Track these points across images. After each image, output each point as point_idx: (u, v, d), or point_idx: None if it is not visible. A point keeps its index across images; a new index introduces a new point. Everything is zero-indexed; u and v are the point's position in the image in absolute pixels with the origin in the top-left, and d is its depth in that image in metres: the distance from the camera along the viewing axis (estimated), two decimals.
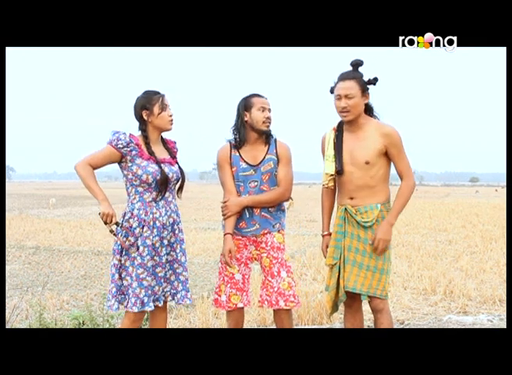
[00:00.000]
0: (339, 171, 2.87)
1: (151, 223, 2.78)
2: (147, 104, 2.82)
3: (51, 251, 9.58)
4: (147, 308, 2.76)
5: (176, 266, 2.89)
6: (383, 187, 2.86)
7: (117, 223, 2.73)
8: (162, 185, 2.80)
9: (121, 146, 2.76)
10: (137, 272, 2.75)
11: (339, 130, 2.93)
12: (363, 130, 2.85)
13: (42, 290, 6.16)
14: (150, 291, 2.77)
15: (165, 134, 3.00)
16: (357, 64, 2.83)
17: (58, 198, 30.89)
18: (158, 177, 2.78)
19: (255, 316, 4.61)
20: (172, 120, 2.87)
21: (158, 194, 2.81)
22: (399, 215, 2.84)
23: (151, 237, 2.77)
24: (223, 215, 3.04)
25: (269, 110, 3.05)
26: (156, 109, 2.81)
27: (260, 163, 3.04)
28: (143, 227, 2.77)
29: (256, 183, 3.04)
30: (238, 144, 3.08)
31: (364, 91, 2.81)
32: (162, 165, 2.82)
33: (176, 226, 2.88)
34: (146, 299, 2.76)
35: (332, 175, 2.93)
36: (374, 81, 2.85)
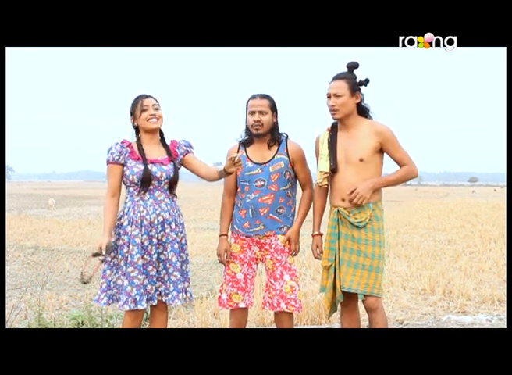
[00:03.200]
0: (334, 169, 2.91)
1: (139, 221, 2.83)
2: (132, 109, 2.94)
3: (50, 251, 9.57)
4: (140, 307, 2.78)
5: (167, 265, 2.88)
6: None
7: (97, 254, 2.79)
8: (143, 182, 2.85)
9: (117, 158, 2.89)
10: (128, 270, 2.79)
11: (333, 131, 2.98)
12: (356, 130, 2.90)
13: (41, 290, 6.15)
14: (142, 290, 2.79)
15: (170, 134, 3.03)
16: (352, 66, 2.89)
17: (57, 198, 30.85)
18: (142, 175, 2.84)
19: (254, 316, 4.60)
20: (149, 119, 2.89)
21: (141, 191, 2.86)
22: (387, 185, 2.91)
23: (140, 235, 2.82)
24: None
25: (260, 113, 2.98)
26: (138, 112, 2.91)
27: (268, 162, 3.02)
28: (132, 225, 2.83)
29: (263, 183, 3.02)
30: (246, 142, 3.09)
31: (354, 92, 2.87)
32: (150, 165, 2.87)
33: (167, 225, 2.87)
34: (138, 298, 2.78)
35: (326, 173, 2.96)
36: (365, 82, 2.91)
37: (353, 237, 2.87)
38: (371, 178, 2.86)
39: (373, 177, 2.87)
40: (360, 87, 2.90)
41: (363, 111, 2.94)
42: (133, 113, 2.93)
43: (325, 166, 2.94)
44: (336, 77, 2.90)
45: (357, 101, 2.89)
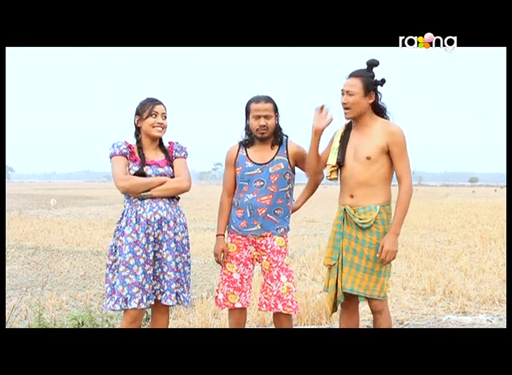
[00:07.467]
0: (340, 163, 2.89)
1: (134, 220, 2.82)
2: (140, 109, 2.90)
3: (50, 251, 9.58)
4: (129, 307, 2.75)
5: (162, 264, 2.86)
6: (383, 187, 2.85)
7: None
8: None
9: (124, 151, 2.88)
10: (120, 269, 2.79)
11: (348, 127, 2.97)
12: (369, 128, 2.86)
13: (41, 290, 6.16)
14: (134, 290, 2.76)
15: (166, 137, 3.03)
16: (372, 64, 2.83)
17: (58, 198, 30.87)
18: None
19: (254, 317, 4.61)
20: (156, 126, 2.87)
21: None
22: (402, 222, 2.84)
23: (134, 234, 2.80)
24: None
25: (266, 117, 2.95)
26: (145, 115, 2.88)
27: (268, 163, 3.01)
28: (127, 225, 2.83)
29: (262, 183, 3.00)
30: (246, 143, 3.08)
31: (368, 91, 2.80)
32: (146, 167, 2.87)
33: (164, 224, 2.85)
34: (129, 297, 2.76)
35: (333, 166, 2.94)
36: (381, 82, 2.85)
37: (357, 238, 2.84)
38: (378, 179, 2.82)
39: (380, 179, 2.83)
40: (376, 87, 2.84)
41: (379, 110, 2.89)
42: (139, 114, 2.89)
43: (333, 159, 2.93)
44: (353, 74, 2.83)
45: (371, 101, 2.83)
